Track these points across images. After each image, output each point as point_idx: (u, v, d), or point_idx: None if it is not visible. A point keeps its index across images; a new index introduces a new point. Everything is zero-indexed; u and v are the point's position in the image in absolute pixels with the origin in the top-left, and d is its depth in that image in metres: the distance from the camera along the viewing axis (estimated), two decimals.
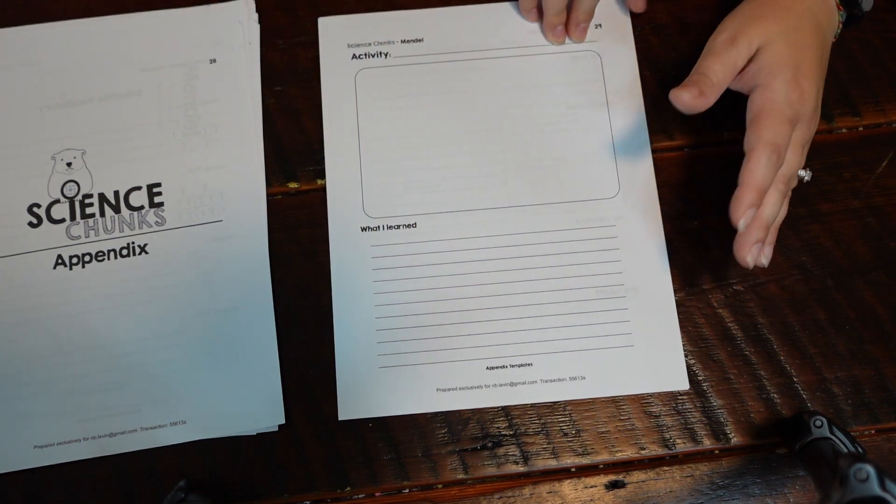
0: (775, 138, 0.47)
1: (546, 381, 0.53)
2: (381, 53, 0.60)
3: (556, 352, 0.53)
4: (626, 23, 0.60)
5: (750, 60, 0.51)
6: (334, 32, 0.60)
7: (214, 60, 0.59)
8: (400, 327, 0.54)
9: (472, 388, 0.53)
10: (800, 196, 0.56)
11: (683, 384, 0.53)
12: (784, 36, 0.50)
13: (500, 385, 0.53)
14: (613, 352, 0.53)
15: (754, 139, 0.48)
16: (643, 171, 0.57)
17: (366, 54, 0.60)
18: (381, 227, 0.56)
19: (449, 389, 0.53)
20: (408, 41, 0.60)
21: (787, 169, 0.49)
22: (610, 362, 0.53)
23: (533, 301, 0.54)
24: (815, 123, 0.52)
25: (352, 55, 0.60)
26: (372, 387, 0.53)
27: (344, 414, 0.53)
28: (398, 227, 0.56)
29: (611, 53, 0.59)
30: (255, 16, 0.61)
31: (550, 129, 0.58)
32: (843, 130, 0.58)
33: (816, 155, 0.57)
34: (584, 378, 0.53)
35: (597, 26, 0.60)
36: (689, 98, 0.48)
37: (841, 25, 0.55)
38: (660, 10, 0.61)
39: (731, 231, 0.56)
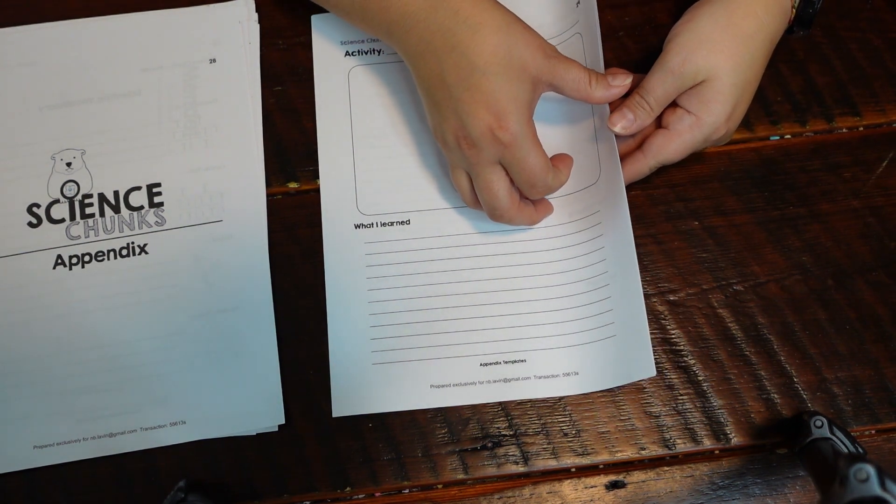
0: (672, 159, 0.53)
1: (540, 378, 0.53)
2: (374, 50, 0.60)
3: (549, 348, 0.53)
4: None
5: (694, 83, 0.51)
6: (327, 30, 0.60)
7: (214, 60, 0.59)
8: (393, 324, 0.54)
9: (465, 384, 0.53)
10: (800, 196, 0.56)
11: (650, 371, 0.50)
12: (734, 73, 0.50)
13: (494, 381, 0.53)
14: (601, 345, 0.52)
15: (657, 151, 0.52)
16: (614, 155, 0.54)
17: (359, 51, 0.60)
18: (374, 224, 0.56)
19: (442, 386, 0.53)
20: None
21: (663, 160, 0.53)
22: (599, 356, 0.52)
23: (525, 297, 0.54)
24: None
25: (345, 52, 0.60)
26: (365, 383, 0.53)
27: (337, 410, 0.53)
28: (392, 223, 0.56)
29: (592, 32, 0.56)
30: (255, 16, 0.61)
31: (539, 121, 0.56)
32: (843, 130, 0.58)
33: (816, 155, 0.57)
34: (578, 374, 0.53)
35: (577, 3, 0.57)
36: (621, 127, 0.52)
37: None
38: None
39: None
